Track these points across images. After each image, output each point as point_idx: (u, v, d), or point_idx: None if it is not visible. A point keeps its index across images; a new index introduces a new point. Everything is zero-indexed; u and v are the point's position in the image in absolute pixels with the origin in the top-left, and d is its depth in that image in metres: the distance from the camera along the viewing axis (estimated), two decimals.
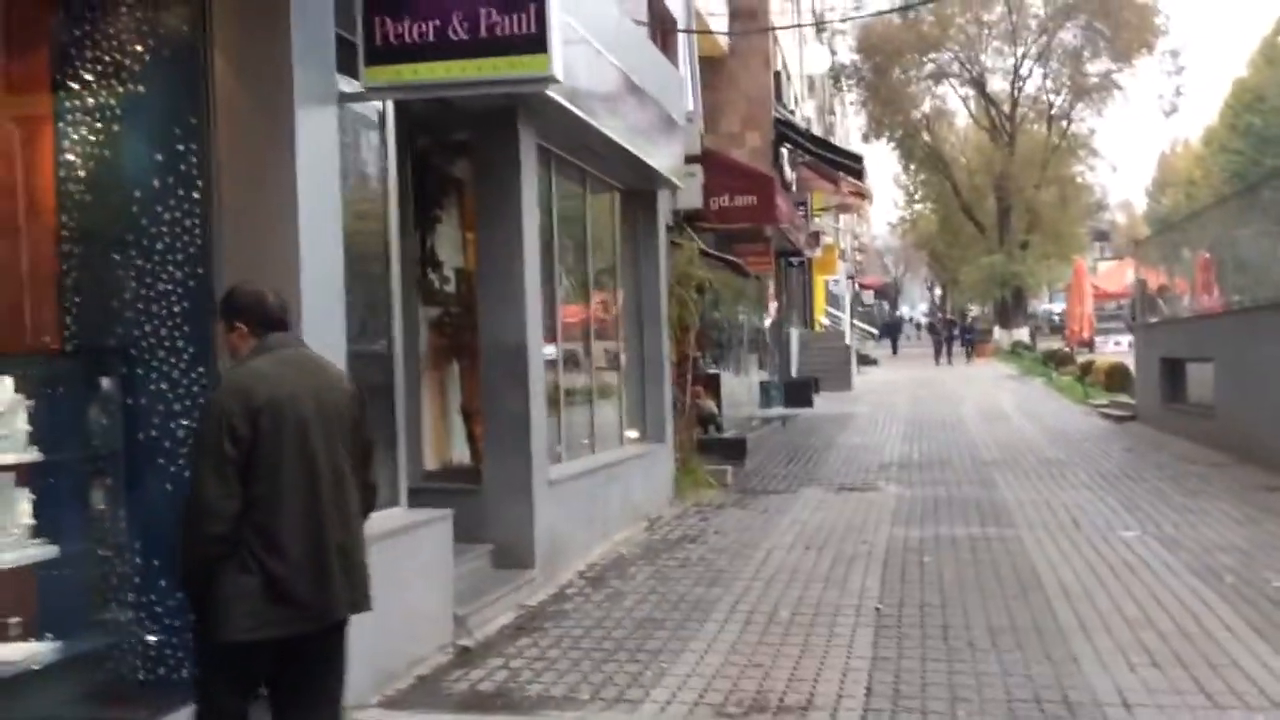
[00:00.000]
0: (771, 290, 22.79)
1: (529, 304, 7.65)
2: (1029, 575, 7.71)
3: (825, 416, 21.45)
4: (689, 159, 14.50)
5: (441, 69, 4.89)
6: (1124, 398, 20.84)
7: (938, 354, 42.74)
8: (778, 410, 21.22)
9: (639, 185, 11.12)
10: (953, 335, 43.38)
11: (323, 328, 4.84)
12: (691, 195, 14.54)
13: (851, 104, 53.94)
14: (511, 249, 7.60)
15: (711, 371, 15.71)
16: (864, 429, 19.15)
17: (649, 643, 6.25)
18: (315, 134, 4.81)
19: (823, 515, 10.49)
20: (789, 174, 26.93)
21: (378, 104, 5.98)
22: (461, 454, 8.41)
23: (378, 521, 5.70)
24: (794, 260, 26.17)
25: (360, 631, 5.29)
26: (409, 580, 5.85)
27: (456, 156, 8.18)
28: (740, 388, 17.83)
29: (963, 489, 11.90)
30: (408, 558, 5.84)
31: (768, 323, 22.92)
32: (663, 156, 10.77)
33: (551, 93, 7.32)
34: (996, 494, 11.49)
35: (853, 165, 25.61)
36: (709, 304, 15.53)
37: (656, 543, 9.31)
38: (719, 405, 15.30)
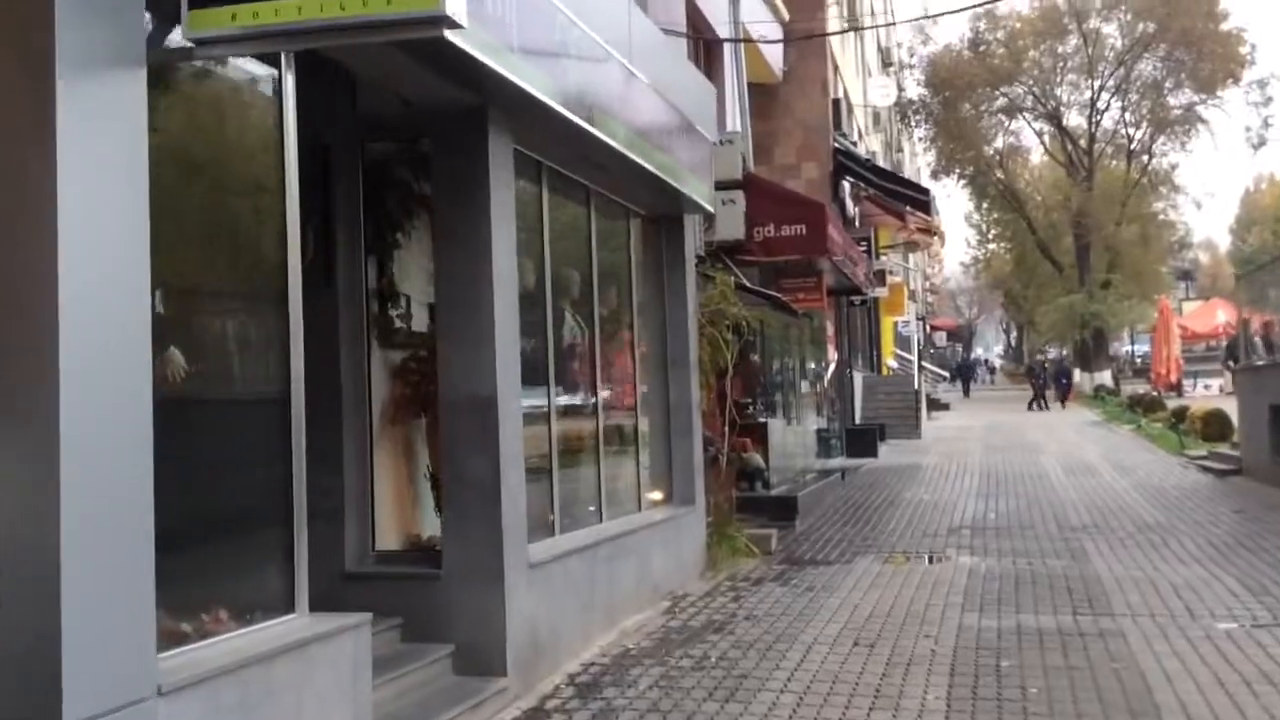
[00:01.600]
0: (830, 331, 21.13)
1: (500, 345, 6.16)
2: (1139, 693, 5.97)
3: (890, 468, 19.67)
4: (729, 185, 13.07)
5: (291, 7, 3.46)
6: (1224, 448, 18.76)
7: (1035, 400, 39.23)
8: (838, 461, 19.47)
9: (662, 209, 9.64)
10: (1045, 380, 40.15)
11: (97, 362, 3.40)
12: (732, 225, 13.07)
13: (920, 140, 52.16)
14: (476, 277, 6.12)
15: (759, 420, 14.12)
16: (933, 483, 17.34)
17: None
18: (99, 106, 3.38)
19: (879, 595, 8.80)
20: (851, 209, 25.36)
21: (263, 74, 4.57)
22: (433, 528, 6.90)
23: (246, 641, 4.26)
24: (855, 300, 24.46)
25: None
26: (300, 715, 4.34)
27: (424, 169, 6.74)
28: (793, 438, 16.15)
29: (1048, 562, 10.11)
30: (297, 685, 4.34)
31: (829, 367, 21.26)
32: (689, 177, 9.28)
33: (530, 87, 5.92)
34: (1089, 568, 9.70)
35: (919, 198, 23.96)
36: (759, 346, 13.99)
37: (674, 631, 7.71)
38: (766, 458, 13.67)
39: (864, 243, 25.34)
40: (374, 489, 6.51)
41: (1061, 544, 11.10)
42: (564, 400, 7.87)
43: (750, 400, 14.79)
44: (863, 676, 6.43)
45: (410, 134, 6.65)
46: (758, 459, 13.51)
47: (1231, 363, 27.29)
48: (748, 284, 12.27)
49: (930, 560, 10.48)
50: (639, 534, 8.44)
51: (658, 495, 9.55)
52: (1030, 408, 38.06)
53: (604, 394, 8.45)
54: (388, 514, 6.63)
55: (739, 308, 10.63)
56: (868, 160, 24.19)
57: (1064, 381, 40.98)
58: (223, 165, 4.59)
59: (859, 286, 19.41)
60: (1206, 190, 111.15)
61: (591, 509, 8.14)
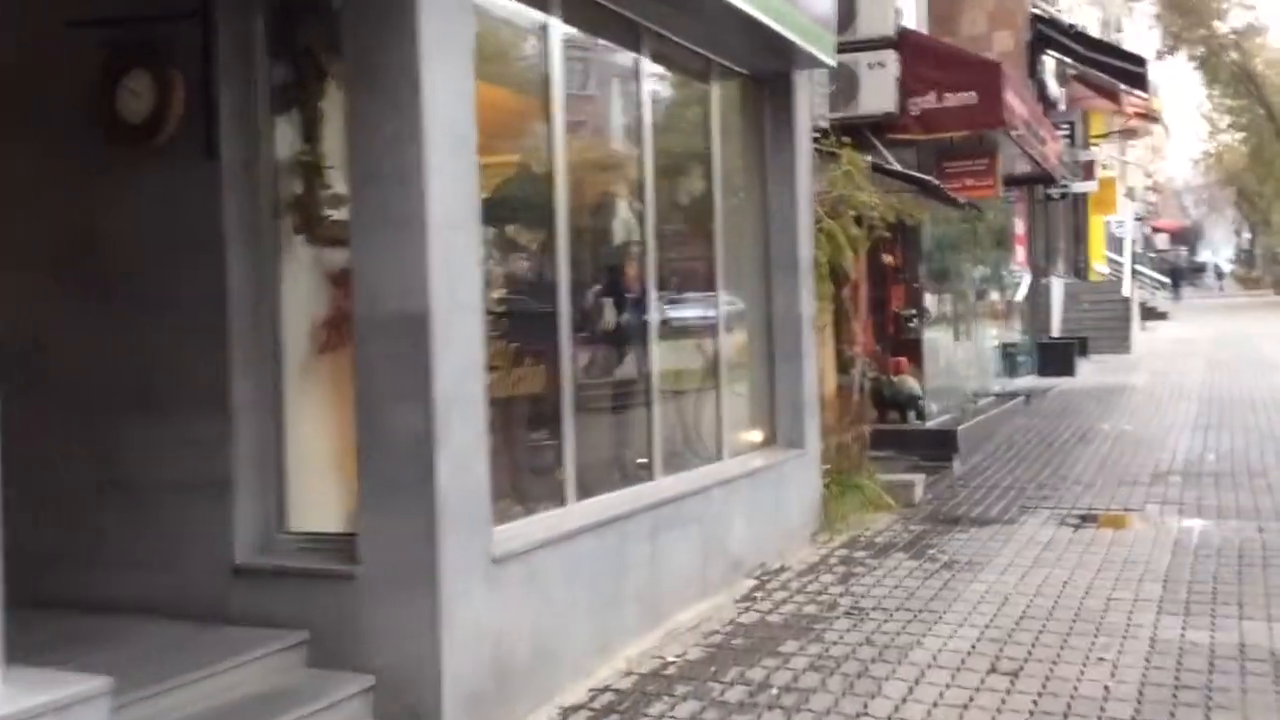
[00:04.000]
0: (1020, 229, 18.17)
1: (437, 233, 4.14)
2: None
3: (1089, 390, 16.81)
4: (878, 43, 10.55)
5: None
6: None
7: None
8: (1025, 382, 16.75)
9: (761, 64, 7.34)
10: None
11: None
12: (881, 94, 10.57)
13: (1143, 16, 46.66)
14: (396, 130, 4.10)
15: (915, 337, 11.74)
16: (1139, 410, 14.50)
17: None
18: None
19: (1042, 579, 6.48)
20: (1054, 90, 21.98)
21: None
22: None
23: None
24: (1054, 193, 21.17)
25: None
26: None
27: None
28: (963, 355, 13.61)
29: None
30: None
31: (1019, 271, 18.38)
32: (798, 17, 6.94)
33: None
34: None
35: (1135, 70, 20.35)
36: (914, 244, 11.55)
37: (741, 633, 5.64)
38: (922, 382, 11.29)
39: (1068, 126, 22.01)
40: (286, 445, 4.64)
41: None
42: (598, 316, 5.84)
43: (915, 312, 12.39)
44: None
45: None
46: (912, 383, 11.16)
47: None
48: (891, 163, 9.78)
49: (1123, 523, 8.05)
50: (710, 493, 6.35)
51: (753, 438, 7.43)
52: None
53: (663, 306, 6.32)
54: (312, 480, 4.73)
55: (870, 194, 8.21)
56: (1073, 28, 20.67)
57: None
58: None
59: (1051, 173, 16.37)
60: None
61: (641, 462, 6.11)
